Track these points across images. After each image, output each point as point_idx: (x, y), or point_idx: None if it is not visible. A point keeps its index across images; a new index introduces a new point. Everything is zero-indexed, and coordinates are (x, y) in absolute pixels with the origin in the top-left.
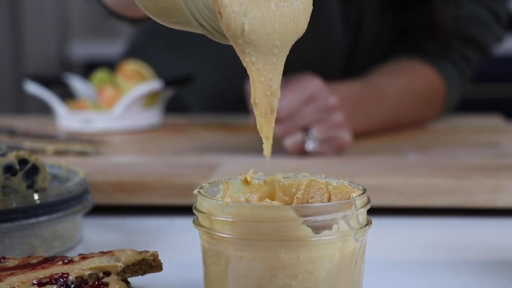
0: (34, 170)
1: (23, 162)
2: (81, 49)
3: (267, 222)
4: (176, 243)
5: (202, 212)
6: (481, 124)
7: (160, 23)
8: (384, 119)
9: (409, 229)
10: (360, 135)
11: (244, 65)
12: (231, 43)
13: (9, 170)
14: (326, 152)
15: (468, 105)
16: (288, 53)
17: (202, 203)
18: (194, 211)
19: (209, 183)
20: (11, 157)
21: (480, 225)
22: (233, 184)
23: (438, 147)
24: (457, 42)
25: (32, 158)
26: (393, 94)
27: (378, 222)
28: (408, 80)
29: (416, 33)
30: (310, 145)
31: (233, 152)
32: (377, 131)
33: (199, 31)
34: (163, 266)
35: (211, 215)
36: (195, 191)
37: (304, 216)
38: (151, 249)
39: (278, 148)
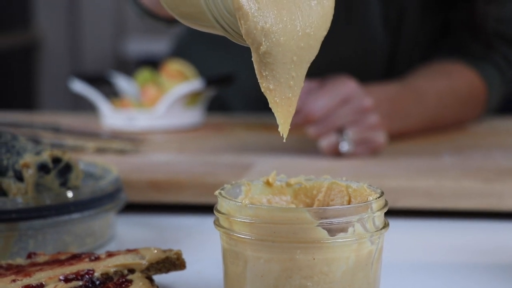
0: (67, 168)
1: (56, 160)
2: (136, 47)
3: (284, 224)
4: (206, 242)
5: (222, 213)
6: None
7: (186, 25)
8: (423, 121)
9: (437, 231)
10: (398, 136)
11: (262, 91)
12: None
13: (43, 168)
14: (360, 154)
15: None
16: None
17: (222, 204)
18: (214, 212)
19: (231, 184)
20: (45, 156)
21: (510, 229)
22: (256, 186)
23: (475, 149)
24: (499, 43)
25: (66, 157)
26: (433, 96)
27: (407, 224)
28: (448, 81)
29: (457, 33)
30: (344, 147)
31: (269, 152)
32: (416, 133)
33: (220, 33)
34: (191, 265)
35: (230, 216)
36: (216, 192)
37: (320, 218)
38: (181, 248)
39: (313, 149)
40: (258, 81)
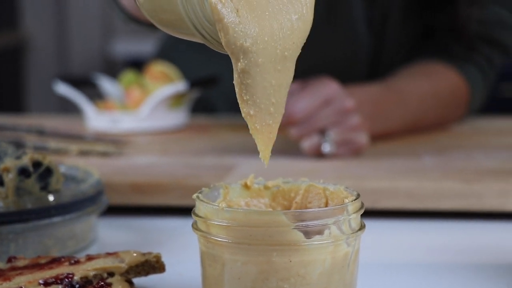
0: (48, 172)
1: (37, 164)
2: (123, 48)
3: (260, 226)
4: (188, 244)
5: (200, 217)
6: (504, 126)
7: (166, 32)
8: (405, 122)
9: (418, 232)
10: (380, 137)
11: (243, 116)
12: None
13: (23, 172)
14: (342, 155)
15: (499, 104)
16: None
17: (200, 208)
18: (192, 215)
19: (210, 188)
20: (25, 160)
21: (489, 229)
22: (234, 189)
23: (456, 150)
24: (481, 45)
25: (46, 161)
26: (415, 97)
27: (388, 225)
28: (431, 82)
29: (440, 35)
30: (326, 148)
31: (252, 153)
32: (398, 134)
33: (200, 41)
34: (172, 267)
35: (208, 219)
36: (194, 196)
37: (296, 221)
38: (163, 250)
39: (295, 150)
40: (239, 106)
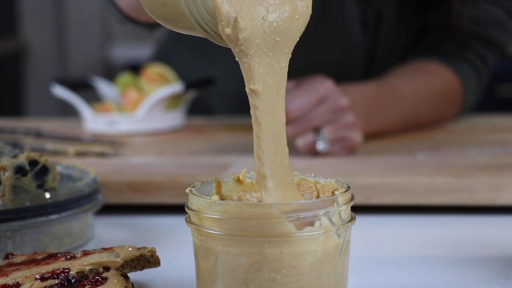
0: (44, 170)
1: (33, 163)
2: (122, 53)
3: (251, 219)
4: (183, 241)
5: (193, 210)
6: (497, 123)
7: (167, 27)
8: (400, 120)
9: (411, 226)
10: (375, 135)
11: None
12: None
13: (20, 170)
14: (337, 152)
15: (494, 104)
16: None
17: (193, 201)
18: (186, 209)
19: (202, 182)
20: (22, 158)
21: (481, 223)
22: (226, 183)
23: (449, 147)
24: (474, 43)
25: (42, 159)
26: (409, 95)
27: (381, 220)
28: (425, 80)
29: (434, 34)
30: (320, 145)
31: (248, 152)
32: (393, 132)
33: (201, 35)
34: (168, 263)
35: (200, 212)
36: (187, 190)
37: (287, 213)
38: (159, 247)
39: (290, 148)
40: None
